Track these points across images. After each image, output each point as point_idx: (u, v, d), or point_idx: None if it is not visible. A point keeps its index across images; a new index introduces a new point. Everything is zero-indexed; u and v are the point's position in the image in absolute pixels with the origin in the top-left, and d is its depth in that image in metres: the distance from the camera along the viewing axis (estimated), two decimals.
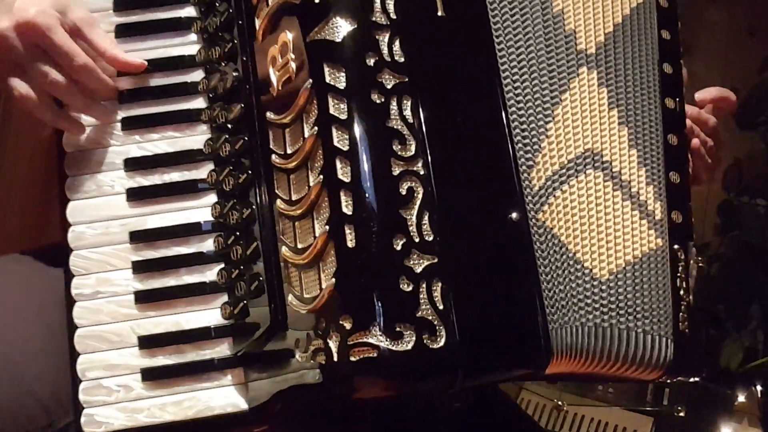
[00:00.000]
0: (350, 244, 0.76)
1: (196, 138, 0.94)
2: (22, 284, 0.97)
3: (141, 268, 0.92)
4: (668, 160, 0.91)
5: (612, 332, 0.85)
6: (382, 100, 0.79)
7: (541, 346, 0.81)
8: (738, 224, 2.30)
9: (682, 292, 0.89)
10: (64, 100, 0.91)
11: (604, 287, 0.85)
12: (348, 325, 0.76)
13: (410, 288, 0.76)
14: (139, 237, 0.92)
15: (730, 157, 2.33)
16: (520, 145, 0.84)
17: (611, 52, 0.91)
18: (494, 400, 1.09)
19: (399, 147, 0.78)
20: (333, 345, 0.77)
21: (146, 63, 0.93)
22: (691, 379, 0.92)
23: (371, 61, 0.79)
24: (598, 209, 0.87)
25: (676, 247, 0.90)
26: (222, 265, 0.90)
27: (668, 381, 0.91)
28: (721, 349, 2.17)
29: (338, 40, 0.79)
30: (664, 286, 0.88)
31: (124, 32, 0.95)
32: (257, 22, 0.87)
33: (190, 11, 0.96)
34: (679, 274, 0.90)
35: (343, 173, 0.78)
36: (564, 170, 0.86)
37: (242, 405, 0.90)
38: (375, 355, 0.75)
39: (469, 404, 1.04)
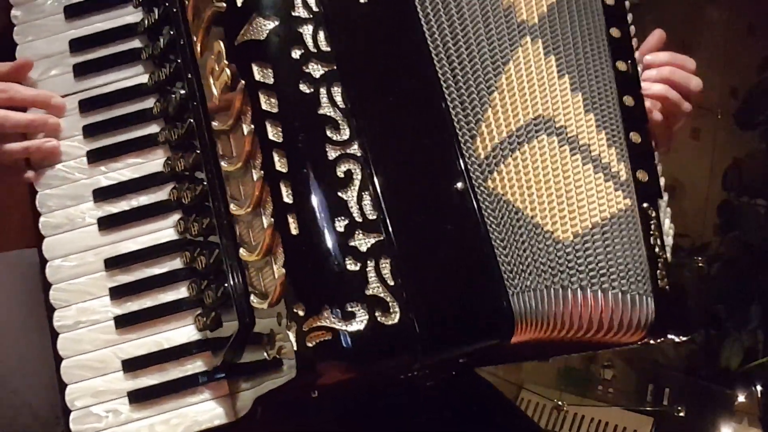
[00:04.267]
0: (294, 231, 0.77)
1: (158, 161, 0.96)
2: (17, 292, 1.00)
3: (118, 293, 0.94)
4: (627, 121, 0.91)
5: (583, 294, 0.83)
6: (312, 90, 0.80)
7: (501, 312, 0.79)
8: (738, 224, 2.29)
9: (657, 250, 0.88)
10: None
11: (569, 249, 0.84)
12: (301, 312, 0.76)
13: (357, 267, 0.76)
14: (113, 263, 0.94)
15: (730, 157, 2.31)
16: (460, 116, 0.85)
17: (555, 22, 0.91)
18: (493, 401, 1.07)
19: (332, 132, 0.80)
20: (291, 335, 0.77)
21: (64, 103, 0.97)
22: (680, 338, 0.89)
23: (297, 54, 0.81)
24: (555, 173, 0.86)
25: (645, 205, 0.89)
26: (191, 280, 0.92)
27: (656, 341, 0.88)
28: (721, 349, 2.13)
29: (263, 38, 0.81)
30: (637, 245, 0.87)
31: (81, 71, 0.99)
32: (195, 38, 0.89)
33: (140, 41, 0.99)
34: (652, 232, 0.88)
35: (280, 165, 0.79)
36: (513, 137, 0.86)
37: (229, 416, 0.91)
38: (330, 337, 0.75)
39: (467, 404, 1.02)
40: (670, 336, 0.88)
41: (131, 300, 0.94)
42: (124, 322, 0.93)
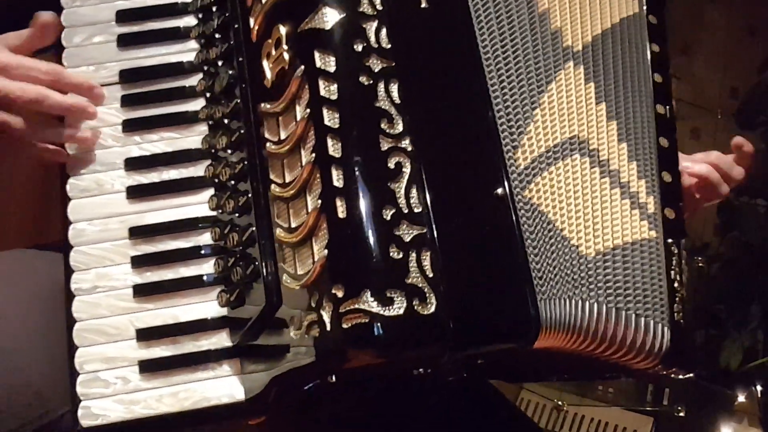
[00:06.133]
0: (341, 215, 0.79)
1: (195, 138, 0.97)
2: (19, 277, 0.99)
3: (139, 262, 0.94)
4: (661, 161, 0.97)
5: (599, 309, 0.87)
6: (370, 82, 0.83)
7: (529, 316, 0.82)
8: (738, 224, 2.31)
9: (676, 285, 0.93)
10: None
11: (590, 265, 0.89)
12: (340, 294, 0.78)
13: (400, 255, 0.79)
14: (138, 233, 0.95)
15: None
16: (504, 126, 0.89)
17: (599, 53, 0.97)
18: (493, 401, 1.10)
19: (387, 125, 0.82)
20: (326, 315, 0.79)
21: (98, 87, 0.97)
22: (684, 375, 0.94)
23: (359, 47, 0.84)
24: (584, 192, 0.91)
25: (670, 241, 0.94)
26: (219, 256, 0.93)
27: (661, 373, 0.93)
28: (721, 349, 2.16)
29: (327, 28, 0.84)
30: (659, 275, 0.92)
31: (125, 41, 1.00)
32: (252, 22, 0.91)
33: (189, 20, 1.01)
34: (673, 267, 0.93)
35: (334, 150, 0.81)
36: (550, 153, 0.91)
37: (239, 395, 0.91)
38: (367, 320, 0.77)
39: (466, 405, 1.05)
40: (676, 372, 0.92)
41: (152, 270, 0.94)
42: (142, 291, 0.93)
